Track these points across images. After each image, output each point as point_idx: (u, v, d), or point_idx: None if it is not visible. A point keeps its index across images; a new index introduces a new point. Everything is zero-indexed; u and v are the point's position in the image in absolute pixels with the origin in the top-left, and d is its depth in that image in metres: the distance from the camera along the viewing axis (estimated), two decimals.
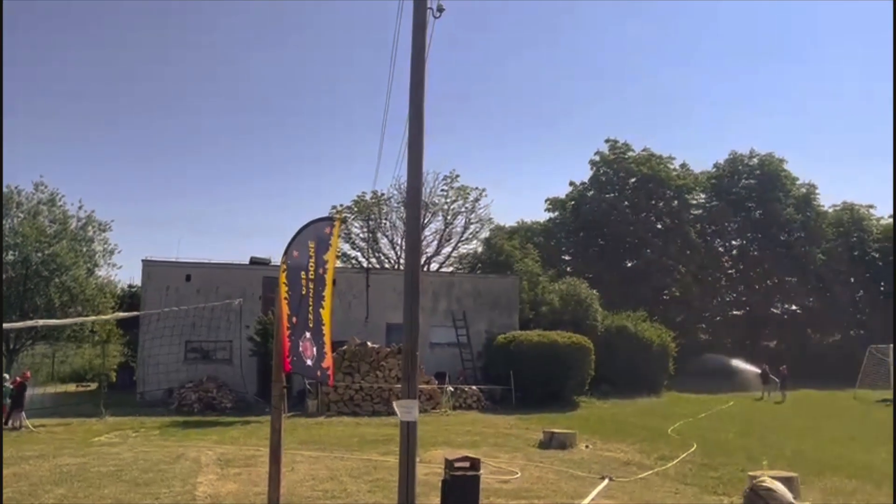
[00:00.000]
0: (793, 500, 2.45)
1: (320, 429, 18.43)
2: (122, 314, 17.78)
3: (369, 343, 24.71)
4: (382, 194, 43.93)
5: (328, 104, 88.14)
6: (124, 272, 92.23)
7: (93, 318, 21.54)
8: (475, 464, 6.75)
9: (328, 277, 7.15)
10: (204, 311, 19.41)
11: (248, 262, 29.22)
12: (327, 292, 7.13)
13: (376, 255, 45.91)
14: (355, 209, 44.72)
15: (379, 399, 22.90)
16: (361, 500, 9.18)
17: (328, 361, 6.98)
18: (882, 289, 51.64)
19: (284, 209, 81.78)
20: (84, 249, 27.28)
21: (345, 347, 23.72)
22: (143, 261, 26.92)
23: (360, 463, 12.48)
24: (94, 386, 28.24)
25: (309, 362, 7.01)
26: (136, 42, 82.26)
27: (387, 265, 44.99)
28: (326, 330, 7.06)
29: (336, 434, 17.29)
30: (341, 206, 46.12)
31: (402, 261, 46.94)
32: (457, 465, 6.67)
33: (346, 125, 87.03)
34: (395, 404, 7.15)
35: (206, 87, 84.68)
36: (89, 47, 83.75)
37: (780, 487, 2.45)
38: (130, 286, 36.61)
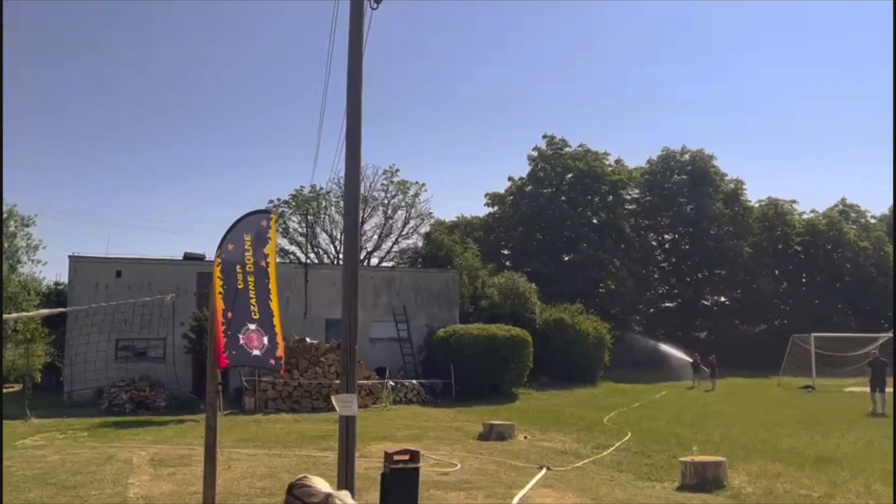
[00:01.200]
0: (330, 491, 2.35)
1: (258, 426, 18.15)
2: (47, 311, 17.06)
3: (308, 339, 24.45)
4: (321, 189, 43.49)
5: (265, 98, 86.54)
6: (50, 269, 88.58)
7: (15, 315, 20.61)
8: (414, 456, 6.77)
9: (271, 270, 7.11)
10: (136, 308, 18.84)
11: (181, 258, 28.48)
12: (273, 285, 7.10)
13: (315, 250, 45.44)
14: (293, 203, 44.14)
15: (318, 395, 22.68)
16: None
17: (281, 351, 6.98)
18: (804, 280, 54.13)
19: (220, 205, 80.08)
20: (6, 245, 26.07)
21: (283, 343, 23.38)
22: (69, 257, 25.89)
23: (299, 460, 12.34)
24: (17, 387, 27.05)
25: (257, 352, 6.93)
26: (66, 28, 78.92)
27: (326, 260, 44.58)
28: (277, 321, 7.05)
29: (274, 431, 17.05)
30: (279, 199, 45.45)
31: (341, 256, 46.60)
32: (396, 457, 6.68)
33: (284, 120, 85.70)
34: (333, 399, 7.11)
35: (138, 80, 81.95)
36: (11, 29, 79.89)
37: (316, 482, 2.33)
38: (57, 283, 35.22)
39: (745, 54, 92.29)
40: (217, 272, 6.96)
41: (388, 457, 6.69)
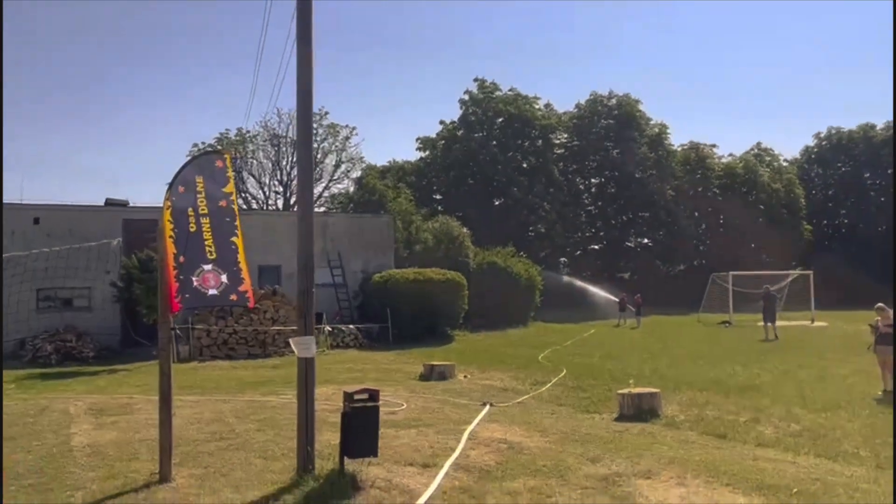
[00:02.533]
0: None
1: (195, 373, 17.91)
2: None
3: None
4: (247, 132, 42.20)
5: (186, 36, 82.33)
6: None
7: None
8: (374, 395, 6.88)
9: (235, 208, 7.06)
10: (59, 257, 18.05)
11: (103, 204, 27.28)
12: (238, 221, 7.07)
13: (242, 195, 44.33)
14: (219, 147, 42.71)
15: (254, 342, 22.51)
16: (252, 438, 9.11)
17: (247, 286, 6.96)
18: (721, 221, 56.55)
19: (139, 150, 76.57)
20: None
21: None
22: None
23: (242, 404, 12.31)
24: None
25: (213, 292, 6.86)
26: None
27: (254, 206, 43.62)
28: (241, 257, 7.02)
29: (213, 378, 16.89)
30: (203, 143, 43.84)
31: (269, 201, 45.64)
32: (356, 396, 6.77)
33: (207, 59, 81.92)
34: (291, 341, 7.10)
35: (52, 9, 76.38)
36: None
37: None
38: None
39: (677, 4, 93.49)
40: (167, 216, 6.77)
41: (347, 396, 6.77)
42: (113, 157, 78.12)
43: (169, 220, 6.74)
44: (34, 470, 7.62)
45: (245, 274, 6.96)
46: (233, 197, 6.98)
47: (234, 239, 6.94)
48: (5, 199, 25.35)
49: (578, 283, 41.58)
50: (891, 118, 59.40)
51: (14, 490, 6.86)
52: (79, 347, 22.24)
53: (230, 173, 7.09)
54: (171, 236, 6.78)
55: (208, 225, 7.01)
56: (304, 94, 7.26)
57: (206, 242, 7.00)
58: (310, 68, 7.30)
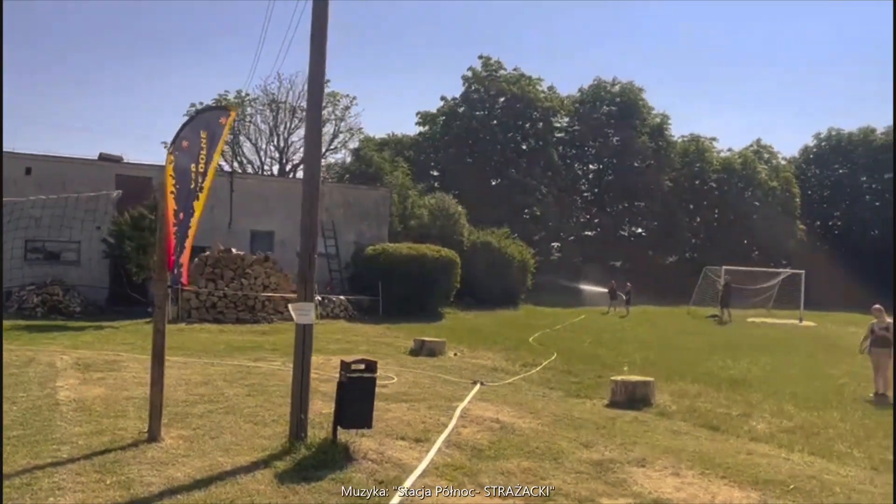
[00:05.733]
0: None
1: (182, 335, 17.70)
2: None
3: (234, 250, 23.82)
4: (246, 94, 41.66)
5: None
6: None
7: None
8: (371, 366, 6.75)
9: (210, 170, 6.79)
10: (56, 206, 17.73)
11: (97, 158, 26.87)
12: (206, 184, 6.79)
13: (238, 159, 43.89)
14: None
15: (244, 307, 22.31)
16: (241, 403, 8.99)
17: (185, 257, 6.71)
18: (716, 215, 56.58)
19: (134, 107, 75.58)
20: None
21: (207, 253, 22.71)
22: None
23: (231, 368, 12.18)
24: None
25: (178, 259, 6.68)
26: None
27: (249, 170, 43.20)
28: (194, 222, 6.76)
29: (201, 340, 16.72)
30: (201, 103, 43.19)
31: (265, 166, 45.19)
32: (353, 366, 6.64)
33: (206, 18, 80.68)
34: (290, 307, 6.94)
35: None
36: None
37: None
38: None
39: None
40: (169, 170, 6.56)
41: (345, 365, 6.64)
42: (109, 114, 77.15)
43: (171, 175, 6.53)
44: (19, 422, 7.47)
45: (189, 242, 6.76)
46: (215, 157, 6.70)
47: (195, 202, 6.70)
48: None
49: (590, 286, 41.17)
50: (891, 123, 59.56)
51: None
52: (66, 301, 22.01)
53: (224, 132, 6.84)
54: (172, 192, 6.57)
55: (202, 184, 6.81)
56: (317, 82, 7.02)
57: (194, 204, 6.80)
58: (324, 33, 7.06)
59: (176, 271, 6.66)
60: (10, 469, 5.89)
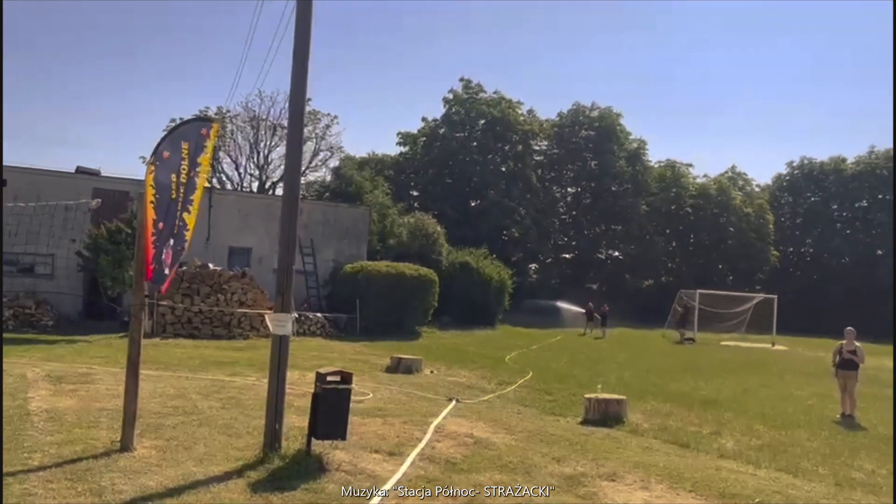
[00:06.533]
0: None
1: (157, 349, 17.55)
2: None
3: (211, 265, 23.72)
4: (227, 111, 41.65)
5: (173, 11, 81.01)
6: None
7: None
8: (346, 378, 6.81)
9: (200, 182, 6.85)
10: (25, 220, 17.56)
11: (74, 171, 26.69)
12: (196, 196, 6.86)
13: (217, 175, 43.74)
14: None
15: (219, 323, 22.16)
16: (216, 415, 8.97)
17: (173, 269, 6.80)
18: (692, 240, 57.35)
19: (114, 122, 75.15)
20: None
21: (184, 268, 22.58)
22: None
23: (206, 382, 12.12)
24: None
25: (167, 271, 6.70)
26: None
27: (228, 186, 43.07)
28: (189, 236, 6.84)
29: (176, 355, 16.59)
30: (180, 119, 43.16)
31: (245, 182, 45.08)
32: (329, 378, 6.69)
33: (189, 35, 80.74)
34: (267, 318, 7.00)
35: None
36: None
37: None
38: None
39: (663, 21, 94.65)
40: (149, 180, 6.62)
41: (320, 377, 6.69)
42: (87, 128, 76.61)
43: (151, 185, 6.58)
44: None
45: (183, 254, 6.89)
46: (201, 169, 6.76)
47: (186, 215, 6.77)
48: None
49: (567, 305, 41.50)
50: (864, 151, 60.95)
51: None
52: (38, 315, 21.72)
53: (210, 143, 6.91)
54: (151, 202, 6.62)
55: (183, 195, 6.86)
56: (297, 101, 7.16)
57: (178, 213, 6.86)
58: (306, 50, 7.20)
59: (155, 279, 6.69)
60: None
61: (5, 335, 18.82)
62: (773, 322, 35.02)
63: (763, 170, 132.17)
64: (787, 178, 64.54)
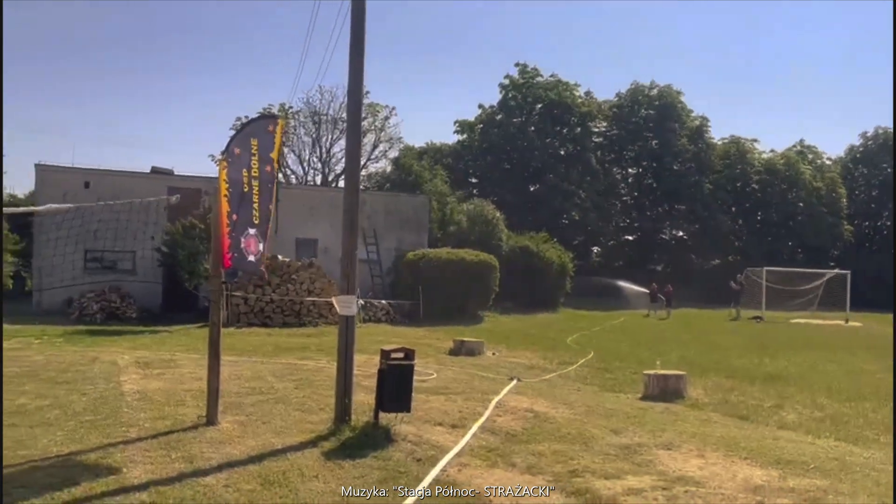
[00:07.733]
0: None
1: (233, 338, 18.45)
2: (16, 209, 16.82)
3: (280, 256, 24.66)
4: (290, 108, 42.79)
5: (235, 13, 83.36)
6: (7, 179, 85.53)
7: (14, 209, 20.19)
8: (409, 354, 7.25)
9: (276, 173, 7.43)
10: (109, 220, 18.67)
11: (149, 171, 28.11)
12: (276, 188, 7.43)
13: (282, 170, 45.03)
14: None
15: (290, 311, 23.08)
16: (290, 394, 9.58)
17: (266, 248, 7.36)
18: (759, 217, 55.75)
19: (183, 121, 78.00)
20: None
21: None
22: (36, 165, 25.35)
23: (280, 366, 12.82)
24: None
25: (252, 258, 7.24)
26: None
27: (293, 180, 44.31)
28: (271, 225, 7.42)
29: (250, 342, 17.46)
30: (246, 117, 44.61)
31: (309, 177, 46.31)
32: (393, 355, 7.14)
33: (252, 37, 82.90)
34: (334, 300, 7.50)
35: None
36: None
37: None
38: (11, 196, 34.44)
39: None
40: (223, 175, 7.18)
41: (384, 354, 7.15)
42: (158, 127, 79.78)
43: (224, 180, 7.14)
44: (90, 409, 8.18)
45: (268, 239, 7.45)
46: (275, 163, 7.34)
47: (271, 206, 7.35)
48: (59, 162, 26.36)
49: (629, 285, 41.28)
50: None
51: (73, 425, 7.41)
52: (122, 308, 23.12)
53: (277, 139, 7.44)
54: (225, 195, 7.19)
55: (257, 188, 7.40)
56: (356, 90, 7.59)
57: (254, 205, 7.40)
58: (361, 65, 7.61)
59: (236, 266, 7.34)
60: (85, 446, 6.57)
61: (95, 328, 20.16)
62: (846, 298, 33.95)
63: (835, 143, 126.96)
64: (861, 149, 61.91)
